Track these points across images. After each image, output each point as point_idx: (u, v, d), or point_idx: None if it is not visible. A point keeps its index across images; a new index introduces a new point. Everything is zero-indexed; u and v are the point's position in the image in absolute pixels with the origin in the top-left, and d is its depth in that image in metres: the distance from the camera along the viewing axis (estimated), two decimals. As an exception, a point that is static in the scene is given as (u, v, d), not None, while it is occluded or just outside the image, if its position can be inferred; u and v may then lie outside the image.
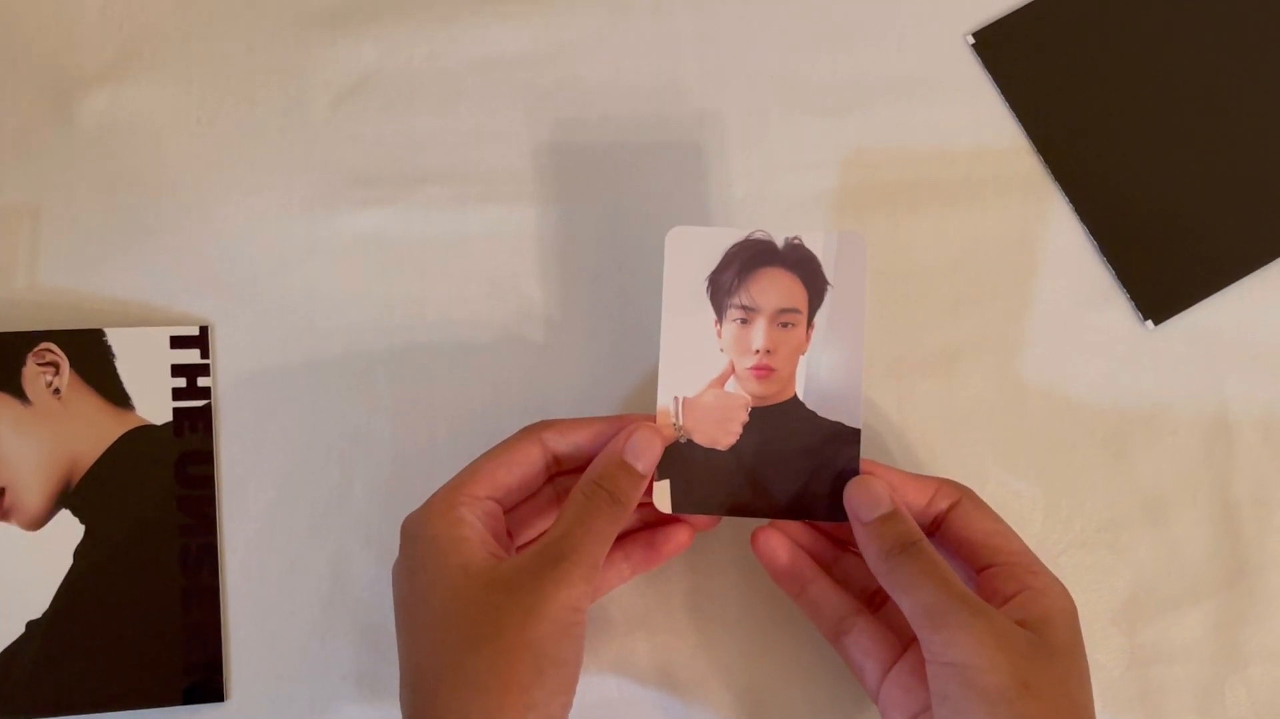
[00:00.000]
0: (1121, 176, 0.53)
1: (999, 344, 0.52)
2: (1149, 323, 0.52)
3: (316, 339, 0.51)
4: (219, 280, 0.51)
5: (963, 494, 0.45)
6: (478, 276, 0.52)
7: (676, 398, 0.46)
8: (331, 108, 0.53)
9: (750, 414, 0.46)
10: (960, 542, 0.45)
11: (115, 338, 0.49)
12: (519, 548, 0.46)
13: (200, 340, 0.50)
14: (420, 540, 0.42)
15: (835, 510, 0.45)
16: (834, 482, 0.45)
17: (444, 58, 0.53)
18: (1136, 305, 0.52)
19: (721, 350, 0.46)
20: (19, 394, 0.49)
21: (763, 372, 0.46)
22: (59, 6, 0.53)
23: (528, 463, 0.44)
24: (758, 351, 0.46)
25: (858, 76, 0.54)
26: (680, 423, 0.45)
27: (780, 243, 0.46)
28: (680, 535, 0.47)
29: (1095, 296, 0.53)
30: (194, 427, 0.49)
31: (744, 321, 0.46)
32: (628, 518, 0.43)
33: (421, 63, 0.53)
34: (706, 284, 0.46)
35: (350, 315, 0.51)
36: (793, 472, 0.46)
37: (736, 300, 0.46)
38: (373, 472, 0.50)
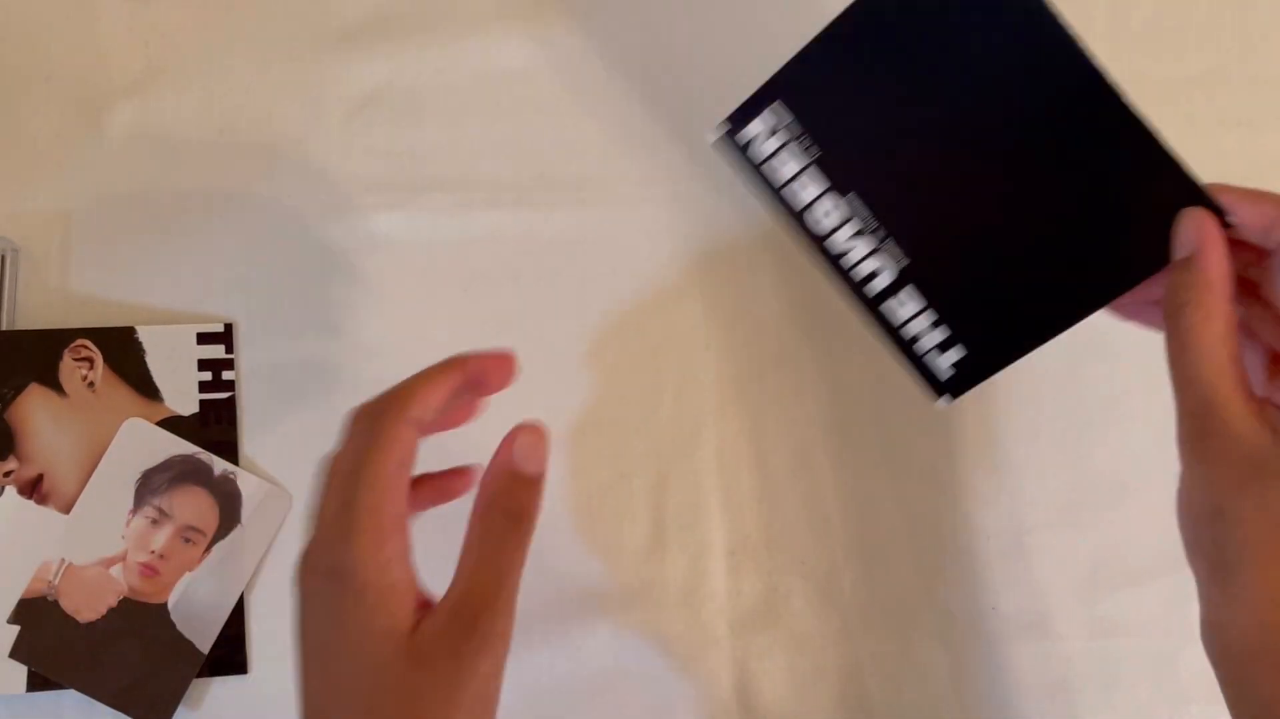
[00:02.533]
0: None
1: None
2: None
3: (331, 335, 0.54)
4: (241, 281, 0.54)
5: None
6: (480, 277, 0.55)
7: (63, 559, 0.50)
8: (345, 120, 0.56)
9: (120, 602, 0.50)
10: None
11: (145, 334, 0.53)
12: None
13: (225, 337, 0.53)
14: (348, 588, 0.37)
15: (157, 711, 0.50)
16: (173, 683, 0.50)
17: (450, 73, 0.56)
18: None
19: (123, 538, 0.50)
20: (56, 387, 0.52)
21: (149, 571, 0.50)
22: (88, 26, 0.56)
23: (412, 455, 0.39)
24: (153, 553, 0.50)
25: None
26: (56, 582, 0.50)
27: (217, 470, 0.51)
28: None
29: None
30: (219, 418, 0.53)
31: (154, 522, 0.50)
32: (533, 532, 0.39)
33: (429, 78, 0.56)
34: (139, 476, 0.51)
35: (362, 313, 0.55)
36: (130, 666, 0.50)
37: (156, 502, 0.51)
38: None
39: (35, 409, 0.52)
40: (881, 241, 0.44)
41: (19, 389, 0.52)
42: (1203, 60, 0.58)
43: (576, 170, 0.56)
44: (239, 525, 0.52)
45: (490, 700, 0.38)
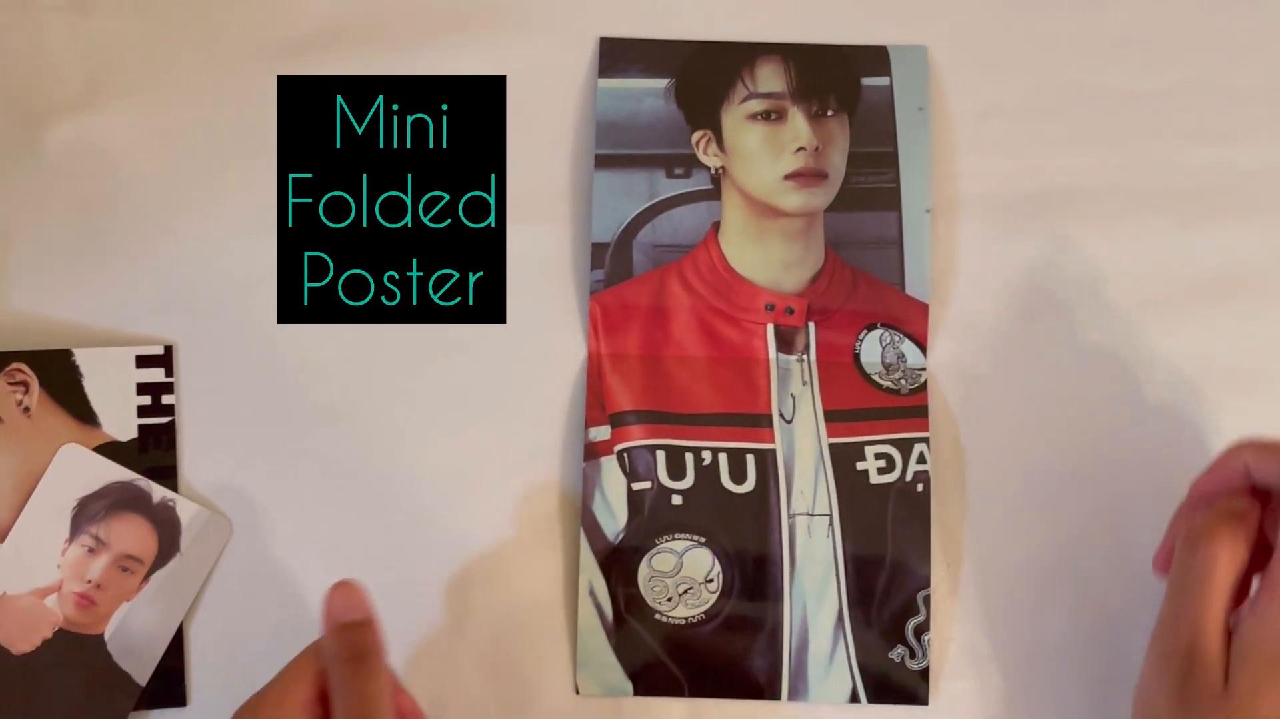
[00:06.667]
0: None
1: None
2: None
3: (276, 358, 0.53)
4: (183, 301, 0.53)
5: None
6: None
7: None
8: (292, 135, 0.55)
9: (55, 633, 0.49)
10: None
11: (83, 358, 0.51)
12: None
13: (164, 360, 0.52)
14: None
15: None
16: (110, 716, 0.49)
17: (401, 87, 0.55)
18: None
19: (58, 567, 0.49)
20: (-11, 412, 0.51)
21: (85, 601, 0.49)
22: (27, 38, 0.55)
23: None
24: (89, 582, 0.49)
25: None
26: None
27: (156, 497, 0.50)
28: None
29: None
30: (158, 442, 0.51)
31: (91, 551, 0.49)
32: (382, 661, 0.42)
33: (379, 92, 0.55)
34: (76, 503, 0.49)
35: (306, 335, 0.53)
36: (65, 698, 0.48)
37: (93, 530, 0.49)
38: (332, 485, 0.52)
39: (-34, 436, 0.50)
40: None
41: (-49, 414, 0.50)
42: (1175, 73, 0.57)
43: (544, 182, 0.54)
44: (178, 554, 0.50)
45: None
